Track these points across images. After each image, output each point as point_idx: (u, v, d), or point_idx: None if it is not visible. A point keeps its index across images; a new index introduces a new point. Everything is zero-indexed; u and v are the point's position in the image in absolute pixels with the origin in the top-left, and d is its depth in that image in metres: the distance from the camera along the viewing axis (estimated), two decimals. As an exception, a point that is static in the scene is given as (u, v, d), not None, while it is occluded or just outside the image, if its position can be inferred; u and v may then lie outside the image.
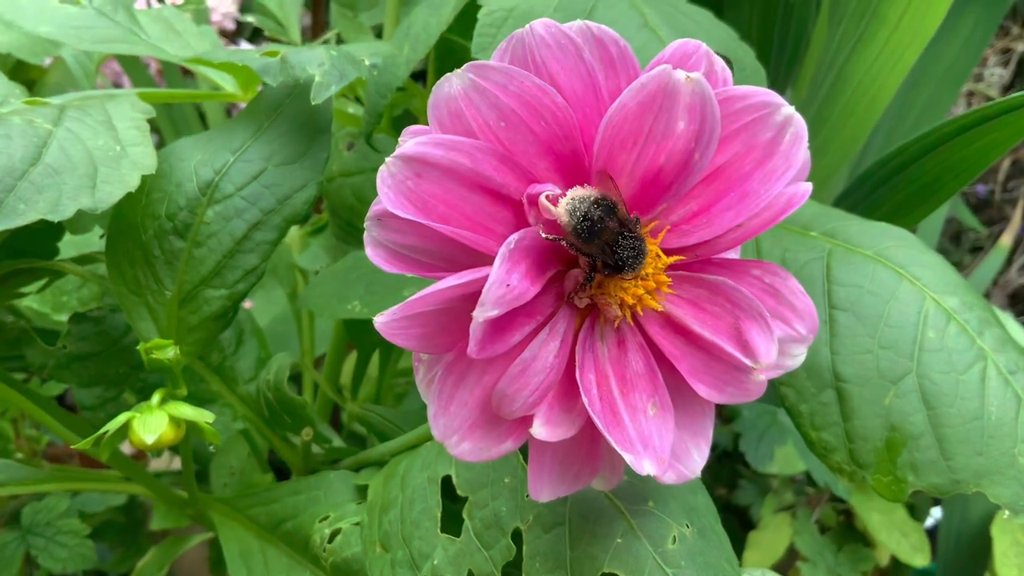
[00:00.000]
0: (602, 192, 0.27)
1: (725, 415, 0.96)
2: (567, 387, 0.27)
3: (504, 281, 0.24)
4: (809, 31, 0.61)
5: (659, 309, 0.28)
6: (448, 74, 0.26)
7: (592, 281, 0.27)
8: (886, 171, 0.55)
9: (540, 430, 0.27)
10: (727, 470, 1.02)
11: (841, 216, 0.44)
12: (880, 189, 0.56)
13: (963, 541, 0.82)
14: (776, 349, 0.27)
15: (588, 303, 0.28)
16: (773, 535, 0.88)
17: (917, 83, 0.78)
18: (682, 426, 0.30)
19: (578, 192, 0.27)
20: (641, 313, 0.28)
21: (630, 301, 0.28)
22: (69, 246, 0.59)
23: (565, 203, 0.27)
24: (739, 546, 0.90)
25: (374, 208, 0.27)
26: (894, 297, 0.39)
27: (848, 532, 0.91)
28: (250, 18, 0.66)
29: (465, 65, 0.26)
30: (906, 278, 0.39)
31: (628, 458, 0.26)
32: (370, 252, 0.28)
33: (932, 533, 0.89)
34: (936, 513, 0.93)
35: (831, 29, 0.63)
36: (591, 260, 0.27)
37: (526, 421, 0.27)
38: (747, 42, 0.48)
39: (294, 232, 0.78)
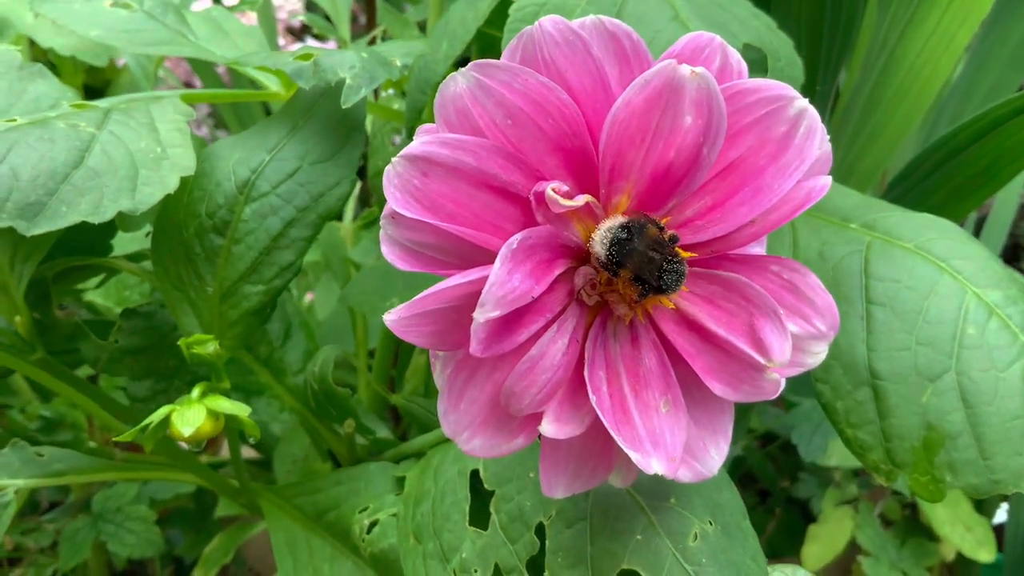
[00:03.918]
0: (631, 217, 0.27)
1: (783, 406, 0.94)
2: (578, 385, 0.27)
3: (505, 282, 0.24)
4: (860, 13, 0.60)
5: (672, 307, 0.28)
6: (453, 73, 0.26)
7: (646, 297, 0.27)
8: (939, 157, 0.53)
9: (549, 427, 0.27)
10: (791, 462, 1.00)
11: (883, 207, 0.42)
12: (933, 175, 0.55)
13: (1031, 538, 0.80)
14: (789, 347, 0.27)
15: (598, 300, 0.28)
16: (834, 528, 0.86)
17: (983, 64, 0.75)
18: (700, 424, 0.29)
19: (606, 223, 0.27)
20: (651, 311, 0.28)
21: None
22: (132, 243, 0.61)
23: (598, 236, 0.27)
24: (799, 539, 0.88)
25: (388, 207, 0.28)
26: (933, 292, 0.38)
27: (912, 526, 0.88)
28: (300, 17, 0.67)
29: (469, 64, 0.26)
30: (947, 272, 0.38)
31: (634, 456, 0.26)
32: (385, 250, 0.28)
33: (1002, 530, 0.86)
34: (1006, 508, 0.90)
35: (880, 11, 0.61)
36: (635, 282, 0.27)
37: (536, 418, 0.27)
38: (797, 27, 0.46)
39: (347, 226, 0.79)
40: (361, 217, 0.76)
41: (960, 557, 0.85)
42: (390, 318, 0.26)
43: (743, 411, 0.87)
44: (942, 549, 0.85)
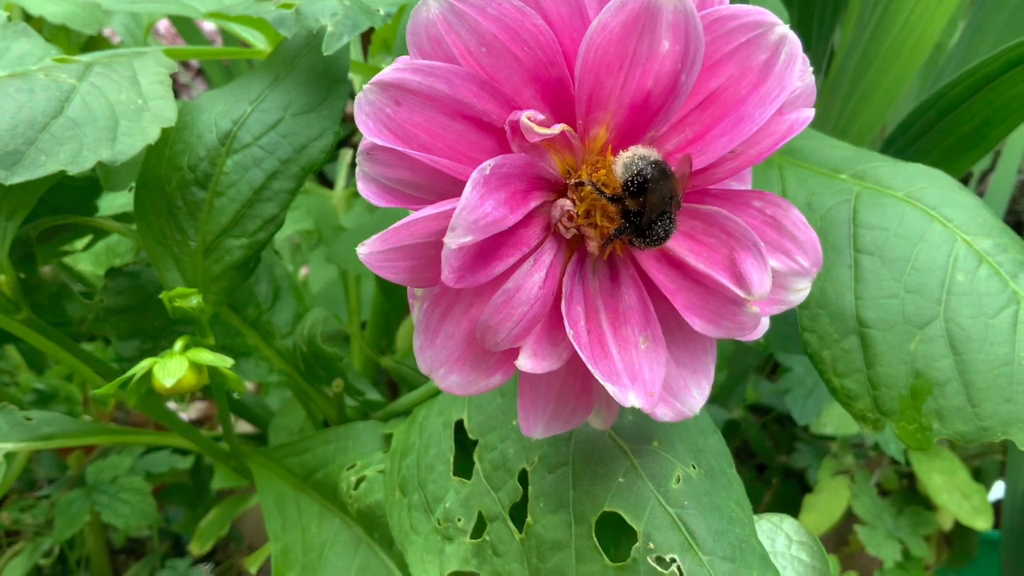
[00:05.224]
0: (663, 157, 0.27)
1: (775, 374, 0.93)
2: (555, 320, 0.27)
3: (476, 206, 0.24)
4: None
5: (651, 241, 0.28)
6: (425, -1, 0.25)
7: (622, 235, 0.27)
8: (932, 115, 0.53)
9: (526, 362, 0.26)
10: (787, 435, 1.00)
11: (873, 158, 0.42)
12: (927, 134, 0.54)
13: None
14: (769, 280, 0.26)
15: (576, 234, 0.27)
16: (830, 498, 0.86)
17: (981, 28, 0.74)
18: (681, 363, 0.29)
19: (640, 150, 0.26)
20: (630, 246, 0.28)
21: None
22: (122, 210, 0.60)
23: (625, 158, 0.26)
24: (796, 510, 0.88)
25: (364, 142, 0.27)
26: (923, 239, 0.37)
27: (909, 495, 0.88)
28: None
29: (442, -12, 0.25)
30: (937, 219, 0.38)
31: (611, 389, 0.25)
32: (361, 187, 0.27)
33: (998, 508, 0.85)
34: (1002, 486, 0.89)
35: (874, -33, 0.60)
36: (624, 218, 0.27)
37: (514, 355, 0.27)
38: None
39: (339, 194, 0.79)
40: (352, 184, 0.76)
41: (957, 527, 0.85)
42: (363, 251, 0.26)
43: (738, 379, 0.87)
44: (939, 518, 0.85)
